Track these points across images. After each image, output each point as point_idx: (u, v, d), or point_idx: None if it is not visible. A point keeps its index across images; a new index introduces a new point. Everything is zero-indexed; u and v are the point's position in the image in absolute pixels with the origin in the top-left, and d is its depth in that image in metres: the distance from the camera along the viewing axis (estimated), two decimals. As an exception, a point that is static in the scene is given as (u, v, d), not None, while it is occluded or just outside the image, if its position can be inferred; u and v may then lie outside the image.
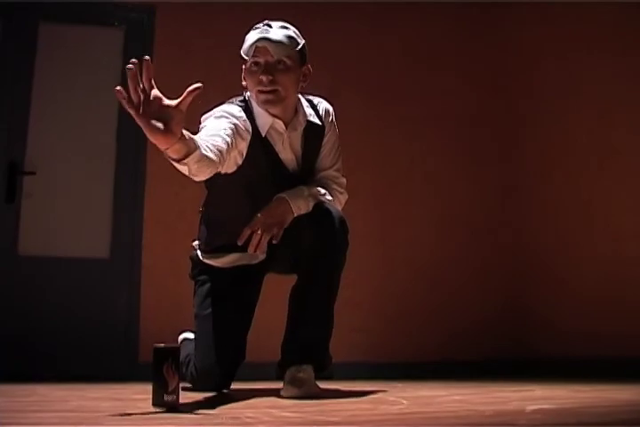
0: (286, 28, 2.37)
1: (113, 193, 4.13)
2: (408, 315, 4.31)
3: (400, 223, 4.46)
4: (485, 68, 4.79)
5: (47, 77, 4.13)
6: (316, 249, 2.28)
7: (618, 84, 3.91)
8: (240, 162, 2.31)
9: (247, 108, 2.37)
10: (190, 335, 2.70)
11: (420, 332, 4.30)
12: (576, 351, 3.88)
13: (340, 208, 2.48)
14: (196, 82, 1.78)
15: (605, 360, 3.58)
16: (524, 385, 2.81)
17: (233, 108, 2.33)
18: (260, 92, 2.33)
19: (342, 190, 2.56)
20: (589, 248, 4.01)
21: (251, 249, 2.24)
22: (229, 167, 2.26)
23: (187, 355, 2.54)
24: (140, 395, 2.27)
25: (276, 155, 2.41)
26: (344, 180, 2.57)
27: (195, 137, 1.94)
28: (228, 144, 2.12)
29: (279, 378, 2.31)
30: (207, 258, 2.57)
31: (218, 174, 2.19)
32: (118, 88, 1.68)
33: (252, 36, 2.34)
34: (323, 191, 2.43)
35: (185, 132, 1.82)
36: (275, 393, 2.27)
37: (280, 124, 2.40)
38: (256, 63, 2.33)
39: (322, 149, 2.52)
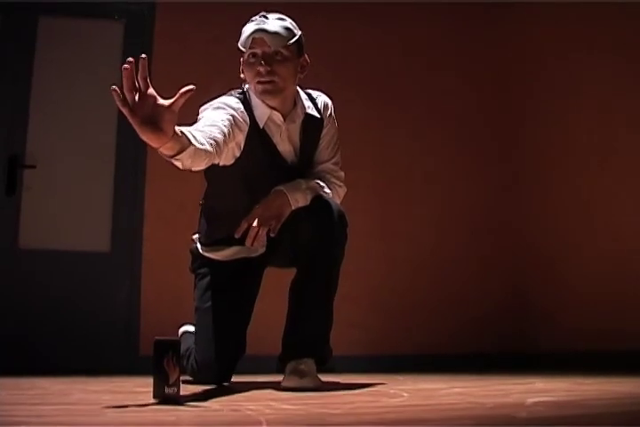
0: (283, 19, 2.38)
1: (113, 186, 4.13)
2: (409, 310, 4.31)
3: (400, 220, 4.46)
4: (485, 68, 4.78)
5: (47, 71, 4.13)
6: (314, 243, 2.28)
7: (618, 83, 3.89)
8: (238, 154, 2.30)
9: (245, 100, 2.37)
10: (191, 328, 2.69)
11: (421, 327, 4.30)
12: (577, 346, 3.88)
13: (338, 201, 2.48)
14: (191, 84, 1.79)
15: (606, 354, 3.58)
16: (525, 378, 2.81)
17: (231, 100, 2.33)
18: (259, 82, 2.33)
19: (341, 184, 2.55)
20: (589, 246, 4.00)
21: (248, 242, 2.24)
22: (227, 159, 2.26)
23: (187, 348, 2.54)
24: (140, 388, 2.28)
25: (274, 147, 2.41)
26: (342, 173, 2.57)
27: (189, 130, 1.93)
28: (225, 135, 2.12)
29: (280, 371, 2.31)
30: (207, 251, 2.57)
31: (216, 167, 2.18)
32: (114, 88, 1.68)
33: (248, 28, 2.34)
34: (321, 184, 2.43)
35: (178, 128, 1.83)
36: (275, 386, 2.27)
37: (278, 116, 2.39)
38: (253, 54, 2.34)
39: (320, 142, 2.52)
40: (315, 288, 2.30)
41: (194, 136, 1.92)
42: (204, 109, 2.28)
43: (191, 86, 1.78)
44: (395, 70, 4.63)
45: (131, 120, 1.72)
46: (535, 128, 4.50)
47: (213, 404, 1.79)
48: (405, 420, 1.45)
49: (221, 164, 2.22)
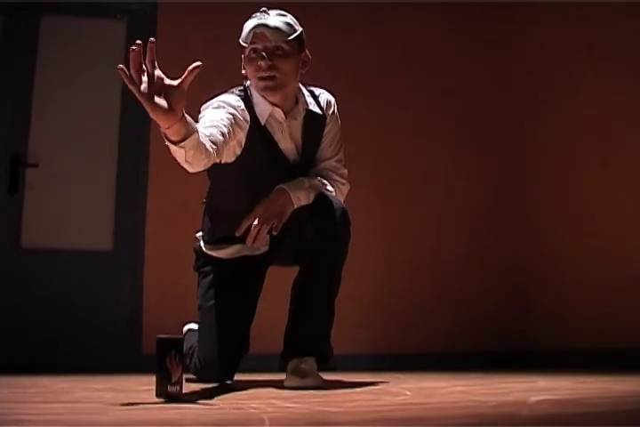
0: (284, 15, 2.38)
1: (116, 185, 4.13)
2: (410, 310, 4.31)
3: (400, 220, 4.46)
4: (485, 68, 4.77)
5: (49, 70, 4.13)
6: (317, 241, 2.27)
7: (618, 83, 3.89)
8: (239, 152, 2.30)
9: (246, 97, 2.37)
10: (194, 326, 2.69)
11: (422, 327, 4.30)
12: (578, 344, 3.89)
13: (342, 199, 2.47)
14: (195, 67, 1.80)
15: (608, 352, 3.58)
16: (527, 377, 2.81)
17: (231, 98, 2.32)
18: (260, 78, 2.33)
19: (344, 181, 2.55)
20: (589, 246, 4.00)
21: (249, 241, 2.23)
22: (228, 157, 2.25)
23: (190, 346, 2.54)
24: (143, 386, 2.28)
25: (276, 144, 2.40)
26: (345, 171, 2.56)
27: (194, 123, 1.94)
28: (225, 135, 2.13)
29: (282, 369, 2.31)
30: (210, 249, 2.57)
31: (218, 164, 2.18)
32: (120, 66, 1.69)
33: (250, 23, 2.35)
34: (324, 182, 2.43)
35: (186, 115, 1.84)
36: (278, 384, 2.27)
37: (279, 113, 2.39)
38: (254, 50, 2.33)
39: (323, 140, 2.51)
40: (317, 287, 2.30)
41: (199, 131, 1.93)
42: (205, 108, 2.28)
43: (198, 63, 1.79)
44: (395, 70, 4.63)
45: (140, 99, 1.73)
46: (535, 128, 4.50)
47: (216, 402, 1.79)
48: (408, 418, 1.45)
49: (222, 161, 2.22)
